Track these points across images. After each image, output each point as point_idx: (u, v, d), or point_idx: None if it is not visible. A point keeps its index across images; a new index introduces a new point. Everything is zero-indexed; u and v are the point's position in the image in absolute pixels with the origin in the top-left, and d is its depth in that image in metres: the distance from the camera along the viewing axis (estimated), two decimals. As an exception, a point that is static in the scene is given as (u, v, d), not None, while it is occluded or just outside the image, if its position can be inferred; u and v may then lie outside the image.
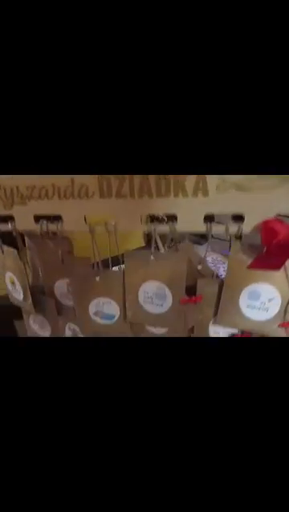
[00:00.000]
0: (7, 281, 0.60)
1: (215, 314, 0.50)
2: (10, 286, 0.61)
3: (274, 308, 0.47)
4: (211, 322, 0.52)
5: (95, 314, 0.57)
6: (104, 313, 0.57)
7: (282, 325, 0.47)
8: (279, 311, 0.46)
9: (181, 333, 0.55)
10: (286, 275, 0.45)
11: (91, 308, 0.56)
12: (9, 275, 0.59)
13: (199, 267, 0.51)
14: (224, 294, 0.48)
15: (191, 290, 0.50)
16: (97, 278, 0.53)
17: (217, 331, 0.53)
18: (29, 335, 0.66)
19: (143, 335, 0.57)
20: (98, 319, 0.57)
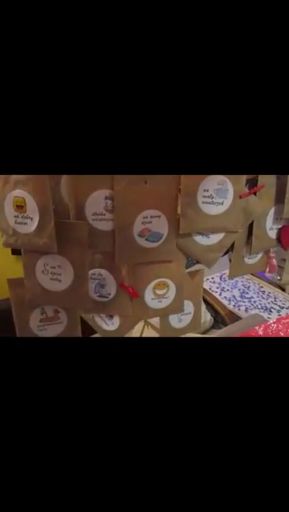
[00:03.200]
0: (9, 206, 0.42)
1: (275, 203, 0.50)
2: (11, 215, 0.42)
3: None
4: (269, 214, 0.50)
5: (141, 234, 0.46)
6: (152, 231, 0.46)
7: None
8: None
9: (232, 239, 0.50)
10: None
11: (137, 226, 0.45)
12: (13, 195, 0.41)
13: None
14: None
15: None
16: (147, 185, 0.44)
17: (273, 226, 0.51)
18: (36, 292, 0.45)
19: (187, 252, 0.49)
20: (142, 241, 0.46)
